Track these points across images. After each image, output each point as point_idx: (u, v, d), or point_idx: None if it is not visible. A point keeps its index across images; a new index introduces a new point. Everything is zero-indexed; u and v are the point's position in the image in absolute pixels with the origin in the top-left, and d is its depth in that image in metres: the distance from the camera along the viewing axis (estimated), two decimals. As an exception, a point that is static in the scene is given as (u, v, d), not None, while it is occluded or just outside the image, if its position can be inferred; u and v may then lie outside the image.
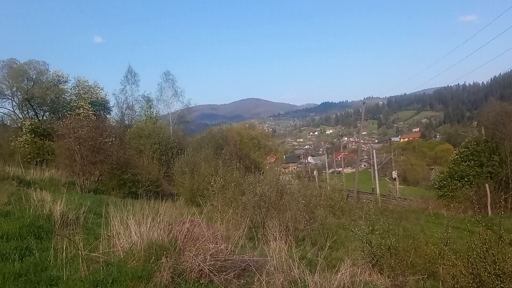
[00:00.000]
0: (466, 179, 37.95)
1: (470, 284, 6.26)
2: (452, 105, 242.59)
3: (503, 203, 23.32)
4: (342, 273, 7.70)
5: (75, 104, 43.37)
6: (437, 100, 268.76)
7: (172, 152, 37.20)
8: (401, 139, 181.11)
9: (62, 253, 7.01)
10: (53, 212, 9.44)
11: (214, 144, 38.87)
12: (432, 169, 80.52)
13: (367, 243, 9.87)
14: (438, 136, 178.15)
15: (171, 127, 48.65)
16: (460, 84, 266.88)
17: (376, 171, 53.87)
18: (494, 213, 24.08)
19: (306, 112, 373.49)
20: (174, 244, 7.34)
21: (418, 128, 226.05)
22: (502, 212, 18.57)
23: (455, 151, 45.96)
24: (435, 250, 9.17)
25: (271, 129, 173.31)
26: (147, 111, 50.36)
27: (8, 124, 44.33)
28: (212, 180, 18.70)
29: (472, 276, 6.25)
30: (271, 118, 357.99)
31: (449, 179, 40.77)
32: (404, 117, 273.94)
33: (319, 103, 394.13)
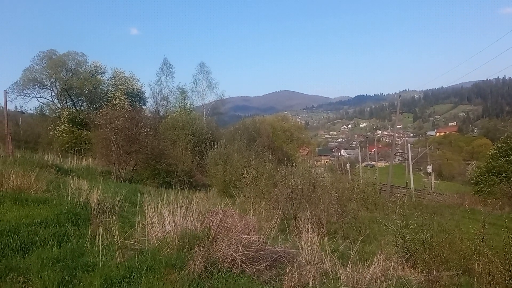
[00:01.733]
0: (504, 175, 37.14)
1: (507, 281, 6.13)
2: (491, 99, 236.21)
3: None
4: (374, 267, 7.64)
5: (112, 95, 43.86)
6: (475, 93, 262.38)
7: (205, 143, 37.38)
8: (437, 133, 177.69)
9: (98, 240, 7.13)
10: (90, 200, 9.60)
11: (247, 136, 38.84)
12: (469, 164, 78.82)
13: (400, 237, 9.77)
14: (475, 131, 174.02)
15: (204, 118, 48.74)
16: (500, 77, 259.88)
17: (410, 165, 52.98)
18: (533, 210, 23.40)
19: (340, 105, 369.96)
20: (207, 234, 7.39)
21: (455, 122, 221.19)
22: (541, 209, 18.06)
23: (493, 146, 45.01)
24: (470, 246, 9.00)
25: (304, 122, 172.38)
26: (182, 102, 50.42)
27: (47, 113, 45.09)
28: (245, 172, 18.76)
29: (509, 273, 6.13)
30: (304, 110, 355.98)
31: (487, 174, 39.96)
32: (441, 111, 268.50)
33: (353, 96, 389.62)
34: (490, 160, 40.94)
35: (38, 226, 7.77)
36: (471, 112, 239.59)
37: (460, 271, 8.54)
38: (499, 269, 6.38)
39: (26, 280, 6.01)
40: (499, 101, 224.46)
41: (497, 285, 6.33)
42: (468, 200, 32.33)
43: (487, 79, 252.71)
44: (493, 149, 42.57)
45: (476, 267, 8.63)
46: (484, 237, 9.94)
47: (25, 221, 7.98)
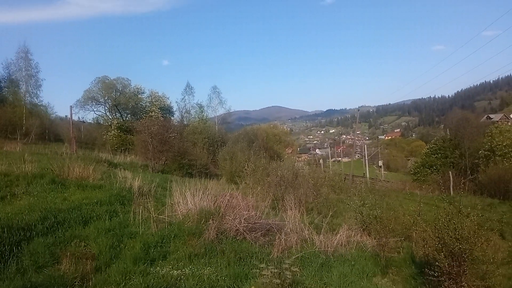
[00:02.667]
0: (434, 168, 37.29)
1: (436, 245, 6.14)
2: (425, 112, 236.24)
3: (462, 186, 22.99)
4: (340, 235, 7.67)
5: (149, 109, 43.94)
6: (414, 108, 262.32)
7: (217, 144, 37.32)
8: (386, 137, 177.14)
9: (139, 215, 7.15)
10: (133, 186, 9.63)
11: (247, 139, 38.86)
12: (409, 160, 78.88)
13: (359, 213, 9.77)
14: (414, 136, 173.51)
15: (216, 126, 48.78)
16: (431, 96, 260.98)
17: (366, 160, 53.03)
18: (455, 193, 23.39)
19: (315, 116, 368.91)
20: (218, 210, 7.40)
21: (399, 129, 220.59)
22: (461, 193, 18.12)
23: (426, 147, 45.16)
24: (410, 219, 9.01)
25: (289, 129, 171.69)
26: (200, 115, 50.58)
27: (102, 122, 45.21)
28: (246, 165, 18.72)
29: (438, 239, 6.14)
30: (289, 120, 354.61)
31: (422, 167, 40.10)
32: (389, 121, 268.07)
33: (325, 110, 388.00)
34: (424, 156, 41.05)
35: (94, 205, 7.80)
36: (410, 122, 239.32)
37: (403, 238, 8.54)
38: (431, 236, 6.39)
39: (85, 245, 6.04)
40: (430, 114, 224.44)
41: (429, 248, 6.33)
42: (408, 186, 32.33)
43: (422, 97, 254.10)
44: (426, 149, 42.71)
45: (414, 235, 8.64)
46: (420, 213, 9.97)
47: (85, 201, 8.01)
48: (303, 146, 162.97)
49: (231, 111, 56.60)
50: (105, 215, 7.24)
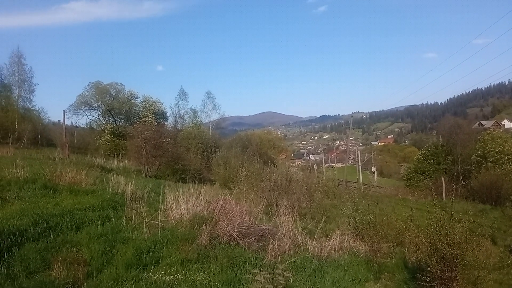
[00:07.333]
0: (427, 174, 37.47)
1: (428, 251, 6.18)
2: (418, 119, 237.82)
3: (454, 192, 23.15)
4: (333, 240, 7.68)
5: (143, 114, 43.83)
6: (407, 115, 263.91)
7: (211, 149, 37.23)
8: (379, 143, 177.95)
9: (132, 220, 7.11)
10: (126, 191, 9.57)
11: (241, 144, 38.79)
12: (402, 165, 79.19)
13: (352, 218, 9.79)
14: (406, 142, 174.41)
15: (210, 131, 48.70)
16: (424, 103, 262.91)
17: (360, 166, 53.27)
18: (447, 199, 23.53)
19: (309, 122, 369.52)
20: (211, 216, 7.39)
21: (392, 136, 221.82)
22: (453, 198, 18.26)
23: (419, 153, 45.33)
24: (402, 225, 9.05)
25: (283, 134, 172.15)
26: (194, 120, 50.61)
27: (95, 127, 45.06)
28: (240, 171, 18.70)
29: (430, 244, 6.18)
30: (283, 126, 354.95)
31: (414, 173, 40.27)
32: (382, 127, 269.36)
33: (318, 116, 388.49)
34: (417, 163, 41.22)
35: (87, 210, 7.75)
36: (403, 128, 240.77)
37: (395, 243, 8.58)
38: (423, 241, 6.43)
39: (77, 250, 5.99)
40: (423, 120, 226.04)
41: (422, 253, 6.38)
42: (401, 191, 32.46)
43: (415, 104, 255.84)
44: (419, 155, 42.88)
45: (406, 240, 8.67)
46: (412, 219, 10.02)
47: (77, 206, 7.95)
48: (297, 152, 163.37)
49: (225, 116, 56.65)
50: (98, 220, 7.19)
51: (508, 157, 31.17)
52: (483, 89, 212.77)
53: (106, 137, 39.86)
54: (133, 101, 45.35)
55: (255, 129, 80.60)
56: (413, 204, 12.19)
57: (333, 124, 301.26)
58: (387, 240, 8.14)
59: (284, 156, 62.59)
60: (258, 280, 5.09)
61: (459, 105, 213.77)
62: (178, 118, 52.18)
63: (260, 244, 7.18)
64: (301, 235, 7.76)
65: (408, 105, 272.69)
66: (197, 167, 26.51)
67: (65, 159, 18.06)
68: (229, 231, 6.96)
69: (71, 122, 47.42)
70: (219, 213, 7.55)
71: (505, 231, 13.55)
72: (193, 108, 52.22)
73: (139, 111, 45.21)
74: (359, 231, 9.12)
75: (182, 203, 7.83)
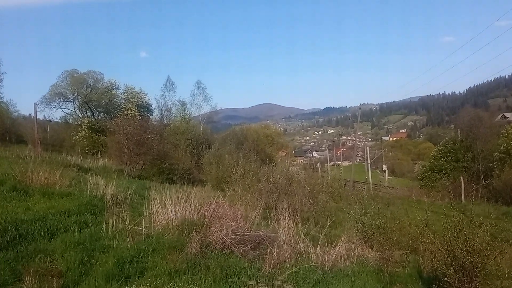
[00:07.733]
0: (444, 172, 37.60)
1: (445, 259, 6.20)
2: (434, 111, 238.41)
3: (474, 192, 23.27)
4: (339, 247, 7.69)
5: (124, 106, 43.58)
6: (421, 106, 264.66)
7: (202, 146, 37.24)
8: (390, 138, 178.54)
9: (112, 226, 7.10)
10: (106, 193, 9.55)
11: (236, 140, 38.78)
12: (416, 163, 79.55)
13: (360, 223, 9.82)
14: (421, 136, 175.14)
15: (201, 126, 48.64)
16: (441, 93, 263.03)
17: (369, 164, 53.37)
18: (467, 201, 23.69)
19: (312, 115, 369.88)
20: (203, 221, 7.39)
21: (405, 130, 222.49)
22: (473, 200, 18.33)
23: (435, 149, 45.51)
24: (416, 230, 9.08)
25: (283, 129, 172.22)
26: (182, 113, 50.34)
27: (70, 122, 44.78)
28: (234, 170, 18.71)
29: (447, 252, 6.20)
30: (283, 119, 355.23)
31: (430, 172, 40.38)
32: (393, 120, 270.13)
33: (322, 108, 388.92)
34: (433, 160, 41.35)
35: (62, 215, 7.72)
36: (417, 121, 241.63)
37: (408, 251, 8.62)
38: (440, 249, 6.45)
39: (51, 260, 5.97)
40: (440, 113, 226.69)
41: (438, 262, 6.40)
42: (415, 192, 32.54)
43: (430, 94, 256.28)
44: (435, 151, 43.04)
45: (421, 247, 8.71)
46: (428, 223, 10.05)
47: (51, 211, 7.92)
48: (299, 148, 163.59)
49: (217, 109, 56.52)
50: (74, 227, 7.18)
51: (535, 153, 31.32)
52: (506, 77, 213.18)
53: (83, 132, 39.62)
54: (113, 92, 45.02)
55: (252, 123, 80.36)
56: (428, 206, 12.22)
57: (339, 117, 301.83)
58: (399, 247, 8.17)
59: (284, 154, 62.69)
60: (255, 292, 5.10)
61: (480, 95, 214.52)
62: (164, 111, 52.00)
63: (257, 252, 7.19)
64: (303, 242, 7.78)
65: (423, 96, 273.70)
66: (186, 166, 26.49)
67: (37, 157, 17.98)
68: (222, 238, 6.96)
69: (44, 116, 46.90)
70: (211, 217, 7.55)
71: (531, 236, 13.63)
72: (181, 99, 52.02)
73: (121, 103, 44.95)
74: (368, 237, 9.15)
75: (169, 207, 7.82)
